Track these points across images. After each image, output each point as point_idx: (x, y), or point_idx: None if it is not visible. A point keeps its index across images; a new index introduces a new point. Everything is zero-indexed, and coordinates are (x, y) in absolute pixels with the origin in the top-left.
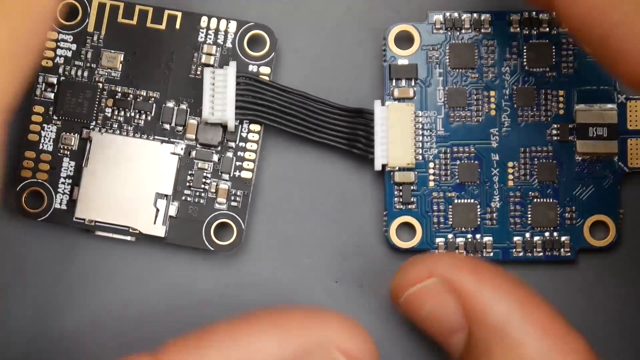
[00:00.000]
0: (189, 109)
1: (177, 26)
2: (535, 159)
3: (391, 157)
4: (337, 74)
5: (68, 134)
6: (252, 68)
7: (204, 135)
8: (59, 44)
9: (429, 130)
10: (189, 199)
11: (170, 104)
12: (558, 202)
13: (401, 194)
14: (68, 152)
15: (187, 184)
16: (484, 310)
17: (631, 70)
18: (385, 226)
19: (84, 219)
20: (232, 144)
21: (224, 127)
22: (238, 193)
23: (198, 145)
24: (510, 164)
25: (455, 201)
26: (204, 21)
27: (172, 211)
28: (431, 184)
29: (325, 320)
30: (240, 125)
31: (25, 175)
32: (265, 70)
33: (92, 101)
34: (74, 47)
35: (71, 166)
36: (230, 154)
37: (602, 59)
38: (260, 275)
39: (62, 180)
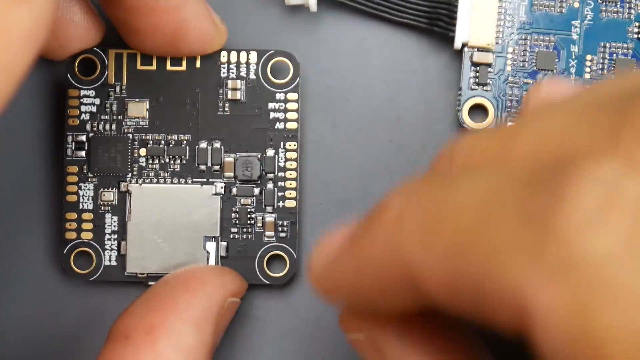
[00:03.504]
0: (222, 147)
1: (198, 65)
2: (614, 55)
3: (473, 35)
4: None
5: (106, 189)
6: (280, 96)
7: (243, 171)
8: (81, 100)
9: (511, 16)
10: (236, 236)
11: (204, 145)
12: None
13: (477, 74)
14: (109, 208)
15: (233, 221)
16: None
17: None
18: (458, 106)
19: (135, 273)
20: (271, 175)
21: (260, 159)
22: (285, 223)
23: (238, 182)
24: (589, 57)
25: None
26: (223, 56)
27: (222, 251)
28: (508, 68)
29: (205, 284)
30: (276, 156)
31: (70, 237)
32: (293, 96)
33: (125, 153)
34: (97, 101)
35: (114, 221)
36: (271, 186)
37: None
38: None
39: (107, 236)
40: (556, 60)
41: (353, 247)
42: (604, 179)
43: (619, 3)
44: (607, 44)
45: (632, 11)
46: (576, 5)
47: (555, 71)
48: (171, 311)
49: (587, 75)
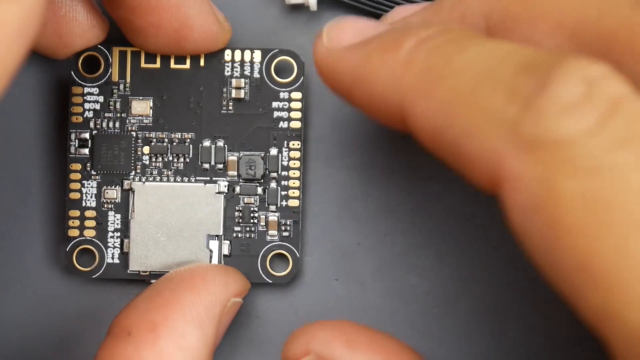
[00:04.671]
0: (226, 146)
1: (202, 63)
2: None
3: None
4: None
5: (109, 187)
6: (283, 95)
7: (246, 169)
8: (85, 97)
9: None
10: (240, 235)
11: (207, 143)
12: None
13: None
14: (112, 206)
15: (236, 220)
16: None
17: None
18: None
19: (138, 271)
20: (275, 174)
21: (263, 158)
22: (288, 222)
23: (241, 181)
24: None
25: None
26: (227, 54)
27: (225, 250)
28: None
29: (209, 283)
30: (280, 155)
31: (73, 234)
32: (297, 95)
33: (128, 151)
34: (101, 99)
35: (117, 219)
36: (274, 185)
37: (454, 166)
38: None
39: (110, 234)
40: None
41: (363, 56)
42: (589, 77)
43: None
44: None
45: None
46: None
47: None
48: (174, 309)
49: None
